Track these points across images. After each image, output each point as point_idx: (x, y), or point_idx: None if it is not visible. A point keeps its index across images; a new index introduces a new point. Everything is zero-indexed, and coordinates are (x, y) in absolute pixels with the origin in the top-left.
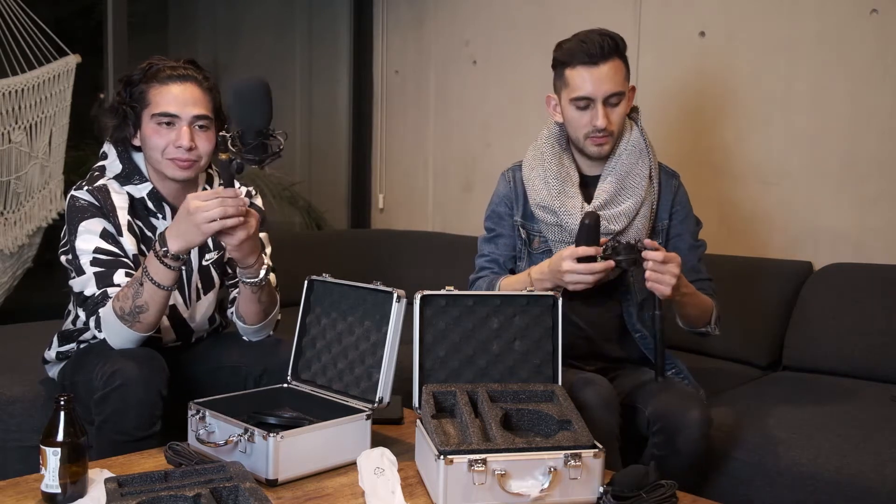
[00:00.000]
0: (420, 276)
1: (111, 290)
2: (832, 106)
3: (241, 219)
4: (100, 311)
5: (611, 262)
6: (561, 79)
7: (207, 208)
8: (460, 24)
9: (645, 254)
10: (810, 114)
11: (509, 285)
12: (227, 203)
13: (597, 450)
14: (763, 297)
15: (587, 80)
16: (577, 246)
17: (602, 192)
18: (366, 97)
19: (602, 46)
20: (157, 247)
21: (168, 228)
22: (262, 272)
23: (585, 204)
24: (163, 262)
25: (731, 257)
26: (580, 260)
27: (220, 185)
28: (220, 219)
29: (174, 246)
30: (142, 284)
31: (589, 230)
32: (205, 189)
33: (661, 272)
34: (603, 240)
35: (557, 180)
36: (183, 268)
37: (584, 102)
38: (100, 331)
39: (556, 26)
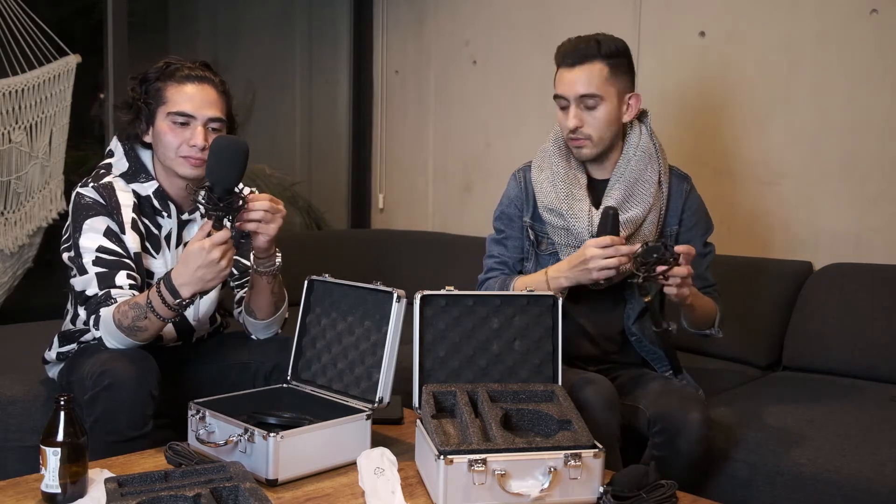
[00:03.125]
0: (420, 276)
1: (114, 292)
2: (832, 106)
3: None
4: (101, 310)
5: (634, 247)
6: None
7: (225, 252)
8: (460, 24)
9: (676, 271)
10: (810, 114)
11: (524, 284)
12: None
13: (597, 450)
14: (763, 297)
15: (563, 80)
16: (599, 236)
17: (610, 198)
18: (366, 97)
19: (578, 48)
20: (167, 295)
21: (178, 274)
22: (278, 260)
23: (593, 208)
24: (171, 308)
25: (731, 257)
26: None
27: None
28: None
29: (187, 292)
30: (145, 316)
31: (612, 222)
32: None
33: (684, 284)
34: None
35: (565, 183)
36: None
37: (563, 102)
38: (97, 329)
39: (556, 26)
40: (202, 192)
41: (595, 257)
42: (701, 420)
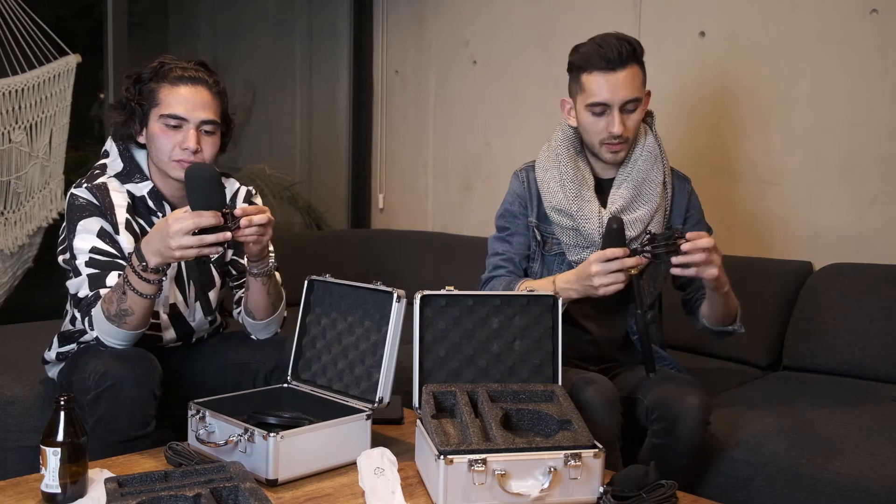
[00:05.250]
0: (420, 276)
1: (103, 292)
2: (832, 106)
3: (227, 235)
4: (92, 310)
5: (641, 259)
6: (577, 83)
7: (185, 230)
8: (460, 24)
9: (689, 246)
10: (810, 114)
11: (531, 287)
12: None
13: (597, 450)
14: (763, 297)
15: (604, 86)
16: (603, 249)
17: (618, 197)
18: (366, 97)
19: (620, 52)
20: (135, 261)
21: (145, 241)
22: (271, 261)
23: (602, 208)
24: (141, 277)
25: (731, 257)
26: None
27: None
28: (198, 246)
29: (153, 261)
30: (125, 293)
31: (617, 234)
32: None
33: (710, 257)
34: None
35: (574, 184)
36: (166, 278)
37: (601, 108)
38: (93, 329)
39: (556, 26)
40: None
41: (599, 274)
42: (699, 405)
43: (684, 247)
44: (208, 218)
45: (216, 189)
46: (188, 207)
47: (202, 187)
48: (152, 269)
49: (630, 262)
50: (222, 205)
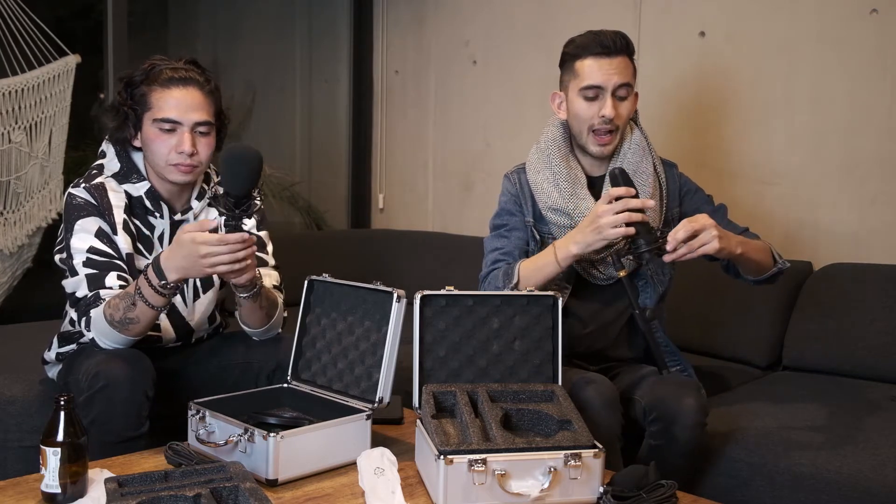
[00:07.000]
0: (420, 276)
1: (103, 293)
2: (832, 106)
3: (248, 261)
4: (91, 311)
5: (649, 202)
6: (570, 72)
7: (217, 253)
8: (460, 24)
9: (670, 245)
10: (810, 114)
11: (531, 263)
12: (237, 251)
13: (597, 450)
14: (763, 297)
15: (598, 70)
16: None
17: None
18: (366, 97)
19: (615, 41)
20: (153, 277)
21: (166, 258)
22: (257, 285)
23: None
24: (158, 291)
25: None
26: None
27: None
28: (229, 263)
29: (173, 277)
30: (134, 304)
31: (623, 179)
32: (203, 189)
33: (698, 235)
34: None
35: (568, 182)
36: (178, 293)
37: (594, 92)
38: (89, 331)
39: (556, 26)
40: (218, 195)
41: (605, 213)
42: (696, 406)
43: (667, 246)
44: (235, 242)
45: (246, 175)
46: (202, 222)
47: (233, 168)
48: (172, 285)
49: (634, 202)
50: (249, 192)
